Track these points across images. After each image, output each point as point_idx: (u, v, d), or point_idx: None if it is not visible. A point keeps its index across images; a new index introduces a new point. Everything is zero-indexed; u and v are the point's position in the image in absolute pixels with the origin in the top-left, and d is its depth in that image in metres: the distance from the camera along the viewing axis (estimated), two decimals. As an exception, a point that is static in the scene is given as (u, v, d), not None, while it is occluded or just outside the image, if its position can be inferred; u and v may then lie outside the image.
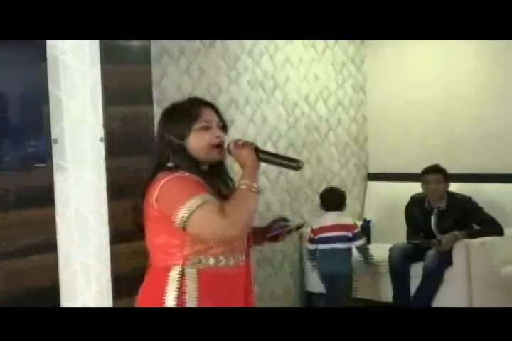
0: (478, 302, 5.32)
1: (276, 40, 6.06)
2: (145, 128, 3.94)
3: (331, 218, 5.61)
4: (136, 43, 3.91)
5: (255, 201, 2.61)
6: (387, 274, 5.67)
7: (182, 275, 2.63)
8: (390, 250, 5.73)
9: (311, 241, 5.67)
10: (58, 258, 3.74)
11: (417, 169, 5.85)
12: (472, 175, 6.14)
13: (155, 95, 4.27)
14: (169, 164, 2.67)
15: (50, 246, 3.73)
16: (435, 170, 5.73)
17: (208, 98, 5.37)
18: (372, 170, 6.99)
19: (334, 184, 6.55)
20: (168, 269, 2.66)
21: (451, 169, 5.80)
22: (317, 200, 6.34)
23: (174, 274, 2.64)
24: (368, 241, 6.22)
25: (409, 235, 5.84)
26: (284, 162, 2.71)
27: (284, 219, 2.91)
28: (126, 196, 3.80)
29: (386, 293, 5.67)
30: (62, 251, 3.75)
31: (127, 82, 3.87)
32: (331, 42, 6.59)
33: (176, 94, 5.26)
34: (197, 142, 2.66)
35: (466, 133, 6.32)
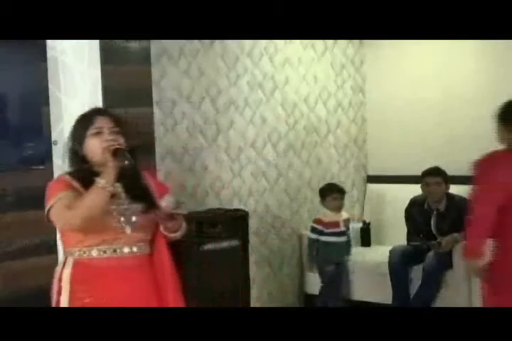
0: (477, 304, 5.30)
1: (276, 41, 6.05)
2: (145, 128, 3.94)
3: (329, 215, 5.90)
4: (135, 44, 3.91)
5: (103, 197, 2.85)
6: (387, 276, 5.66)
7: (63, 264, 3.00)
8: (390, 252, 5.73)
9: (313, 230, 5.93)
10: (58, 259, 3.74)
11: (417, 171, 5.85)
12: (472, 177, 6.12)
13: (154, 96, 4.27)
14: (68, 168, 3.02)
15: (50, 247, 3.72)
16: (435, 172, 5.72)
17: (207, 99, 5.45)
18: (371, 172, 6.98)
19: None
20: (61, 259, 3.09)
21: (451, 171, 5.79)
22: (316, 201, 6.34)
23: (60, 264, 3.03)
24: (368, 243, 6.23)
25: (409, 237, 5.84)
26: (126, 163, 2.92)
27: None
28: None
29: (386, 295, 5.66)
30: (61, 252, 3.75)
31: (127, 82, 3.88)
32: (330, 43, 6.58)
33: (175, 94, 5.25)
34: (90, 146, 2.98)
35: (467, 134, 6.30)
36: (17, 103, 3.63)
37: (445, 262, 5.45)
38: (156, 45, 4.81)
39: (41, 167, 3.68)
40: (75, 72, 3.70)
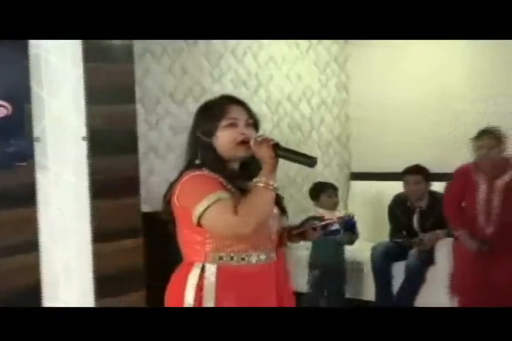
0: (460, 301, 5.34)
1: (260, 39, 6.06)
2: (127, 127, 3.93)
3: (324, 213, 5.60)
4: (118, 42, 3.89)
5: (271, 199, 2.61)
6: (370, 273, 5.69)
7: (202, 271, 2.66)
8: (373, 249, 5.75)
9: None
10: (40, 258, 3.73)
11: (400, 168, 5.87)
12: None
13: (138, 94, 4.26)
14: (197, 161, 2.71)
15: (32, 246, 3.71)
16: (414, 170, 5.73)
17: (190, 97, 5.46)
18: (355, 170, 7.00)
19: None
20: (191, 265, 2.69)
21: (434, 168, 5.81)
22: (301, 199, 6.35)
23: (195, 270, 2.67)
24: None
25: (392, 234, 5.86)
26: (300, 159, 2.68)
27: (317, 218, 2.89)
28: (108, 195, 3.79)
29: (369, 291, 5.68)
30: (44, 251, 3.74)
31: (110, 80, 3.86)
32: (314, 41, 6.59)
33: (159, 93, 5.25)
34: (223, 139, 2.69)
35: (450, 131, 6.34)
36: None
37: (427, 259, 5.48)
38: (139, 44, 4.80)
39: (23, 164, 3.66)
40: (57, 70, 3.69)
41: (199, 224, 2.61)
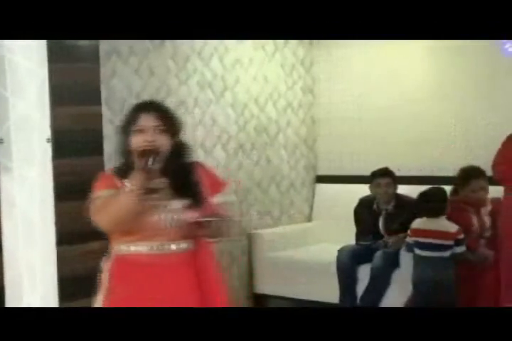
0: (424, 303, 5.37)
1: (226, 41, 6.05)
2: (93, 128, 3.91)
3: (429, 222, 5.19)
4: (84, 42, 3.87)
5: (131, 201, 2.82)
6: (335, 275, 5.70)
7: (108, 259, 3.02)
8: (339, 251, 5.76)
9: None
10: (4, 259, 3.70)
11: (366, 171, 5.89)
12: (418, 178, 6.20)
13: (104, 95, 4.24)
14: (117, 163, 3.02)
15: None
16: (385, 173, 5.77)
17: (157, 98, 5.41)
18: (321, 172, 7.01)
19: (283, 186, 6.56)
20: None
21: (399, 171, 5.85)
22: (266, 202, 6.35)
23: (104, 259, 3.05)
24: None
25: (358, 237, 5.88)
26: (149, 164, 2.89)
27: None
28: (72, 197, 3.76)
29: (333, 294, 5.69)
30: (7, 252, 3.71)
31: (75, 81, 3.84)
32: (280, 43, 6.60)
33: (125, 93, 5.22)
34: (132, 143, 2.96)
35: (415, 135, 6.37)
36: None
37: (392, 261, 5.51)
38: (105, 44, 4.77)
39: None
40: (21, 70, 3.66)
41: None
